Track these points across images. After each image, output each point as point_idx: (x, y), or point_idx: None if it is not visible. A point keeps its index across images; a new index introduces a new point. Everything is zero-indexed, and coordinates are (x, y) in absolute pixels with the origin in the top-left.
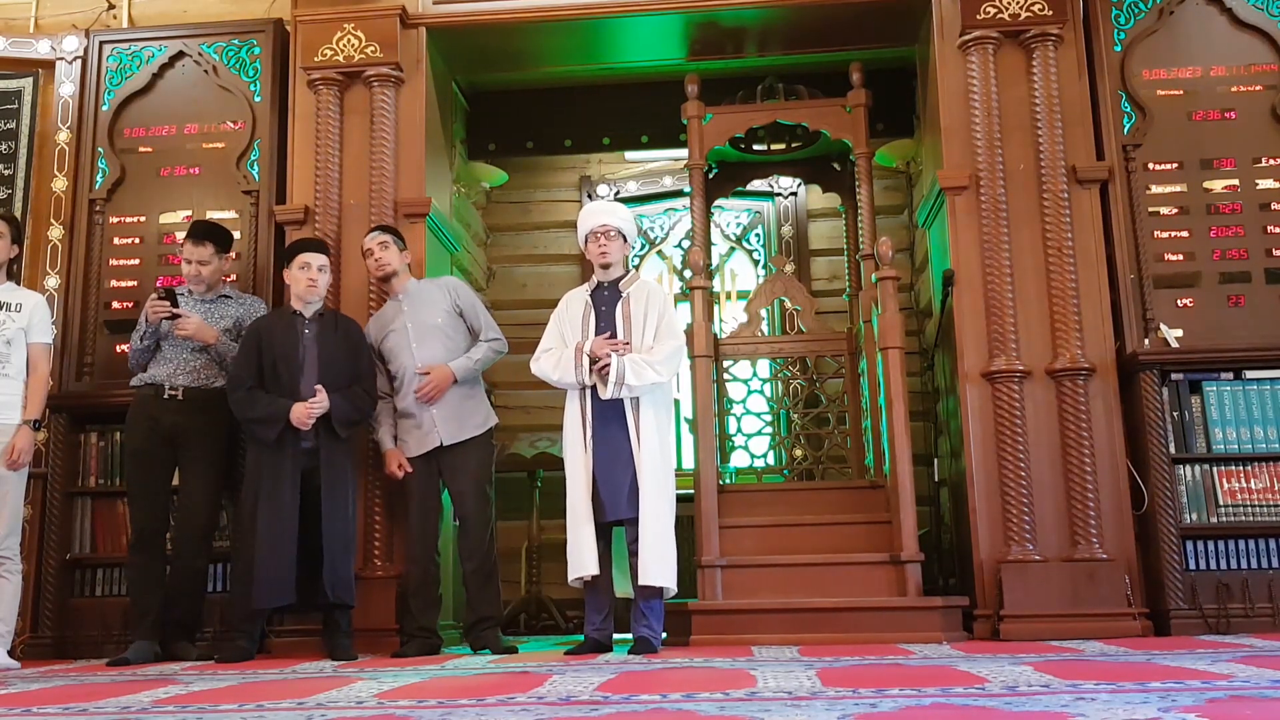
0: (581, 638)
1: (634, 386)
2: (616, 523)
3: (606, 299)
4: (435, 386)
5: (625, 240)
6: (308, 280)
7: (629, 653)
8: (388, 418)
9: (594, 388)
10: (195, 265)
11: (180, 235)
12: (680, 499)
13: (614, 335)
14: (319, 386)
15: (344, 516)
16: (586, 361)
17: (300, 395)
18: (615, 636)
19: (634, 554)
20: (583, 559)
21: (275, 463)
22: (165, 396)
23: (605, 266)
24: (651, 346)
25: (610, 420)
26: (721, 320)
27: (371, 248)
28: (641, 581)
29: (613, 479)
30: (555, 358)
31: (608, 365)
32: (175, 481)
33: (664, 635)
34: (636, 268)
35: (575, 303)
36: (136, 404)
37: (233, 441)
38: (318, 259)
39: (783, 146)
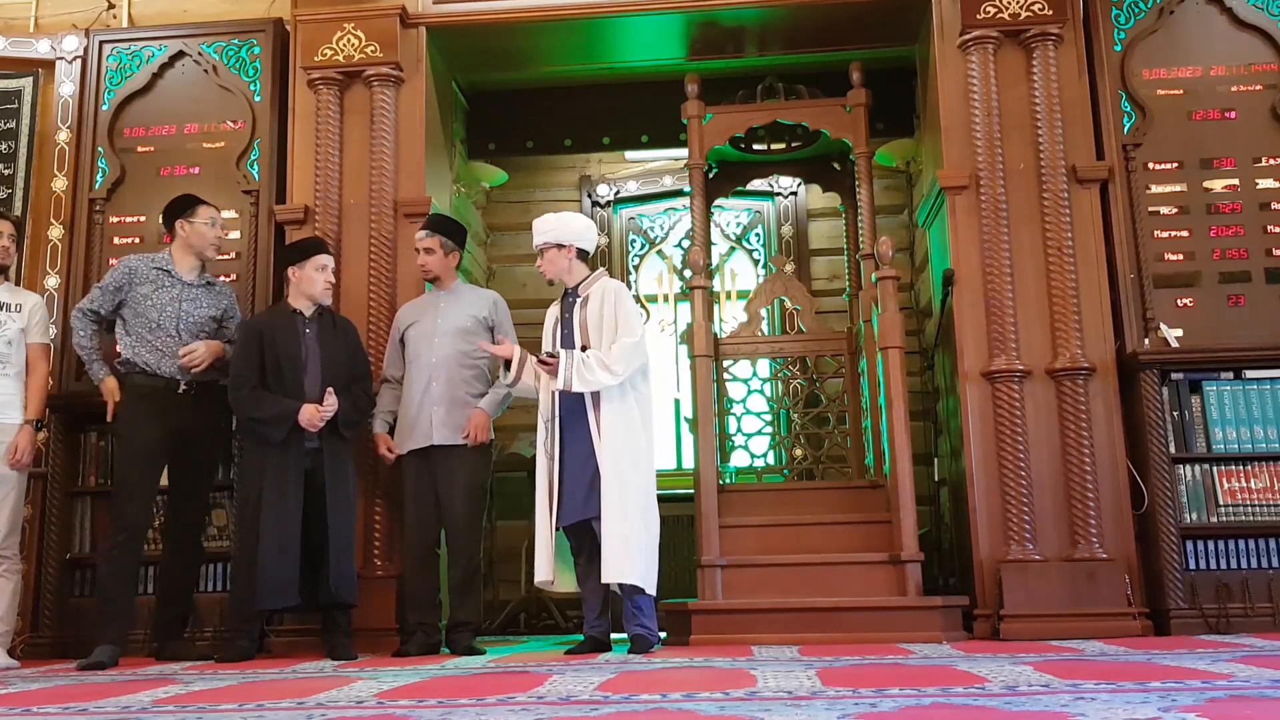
0: (581, 637)
1: (587, 382)
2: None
3: (570, 305)
4: (479, 427)
5: (562, 248)
6: (325, 281)
7: (628, 652)
8: (386, 404)
9: (559, 391)
10: (217, 231)
11: None
12: (680, 499)
13: (573, 338)
14: (330, 389)
15: (347, 516)
16: (510, 372)
17: (304, 395)
18: (614, 636)
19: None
20: (538, 564)
21: (280, 463)
22: (180, 391)
23: (550, 282)
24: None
25: (573, 421)
26: (721, 320)
27: (419, 249)
28: (603, 579)
29: (576, 479)
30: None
31: (553, 364)
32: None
33: (663, 634)
34: (637, 266)
35: (551, 312)
36: (143, 397)
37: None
38: (331, 260)
39: (783, 146)
